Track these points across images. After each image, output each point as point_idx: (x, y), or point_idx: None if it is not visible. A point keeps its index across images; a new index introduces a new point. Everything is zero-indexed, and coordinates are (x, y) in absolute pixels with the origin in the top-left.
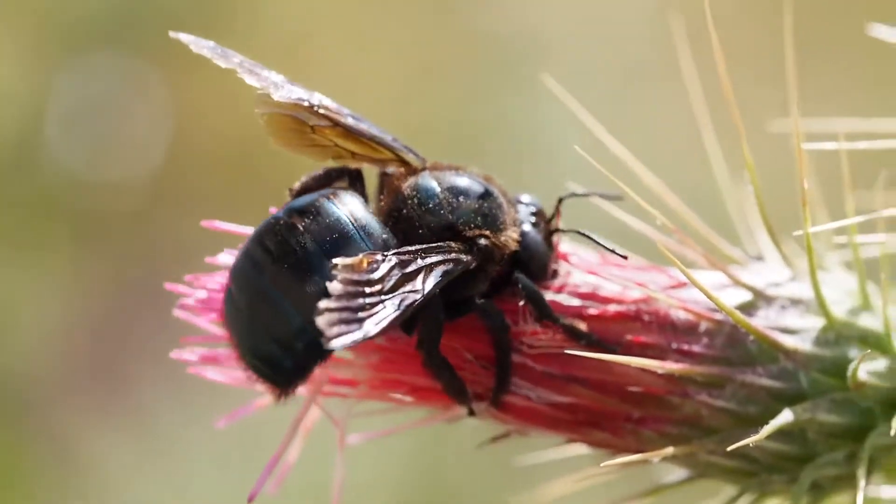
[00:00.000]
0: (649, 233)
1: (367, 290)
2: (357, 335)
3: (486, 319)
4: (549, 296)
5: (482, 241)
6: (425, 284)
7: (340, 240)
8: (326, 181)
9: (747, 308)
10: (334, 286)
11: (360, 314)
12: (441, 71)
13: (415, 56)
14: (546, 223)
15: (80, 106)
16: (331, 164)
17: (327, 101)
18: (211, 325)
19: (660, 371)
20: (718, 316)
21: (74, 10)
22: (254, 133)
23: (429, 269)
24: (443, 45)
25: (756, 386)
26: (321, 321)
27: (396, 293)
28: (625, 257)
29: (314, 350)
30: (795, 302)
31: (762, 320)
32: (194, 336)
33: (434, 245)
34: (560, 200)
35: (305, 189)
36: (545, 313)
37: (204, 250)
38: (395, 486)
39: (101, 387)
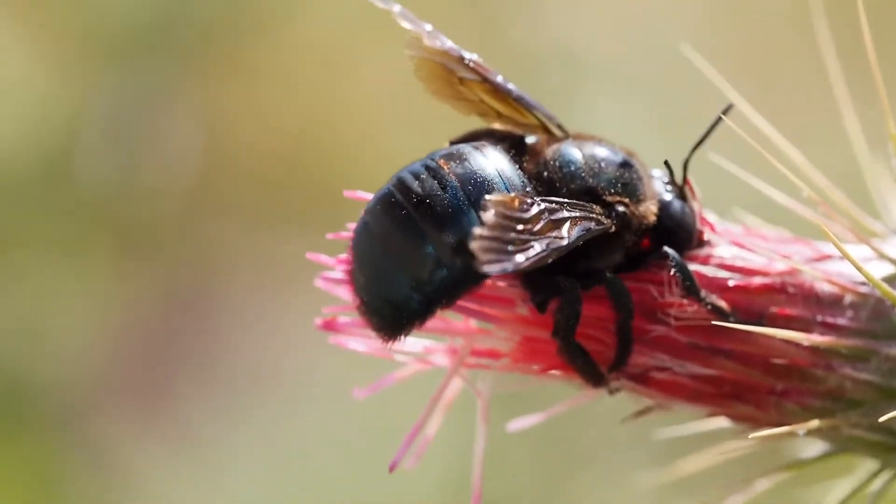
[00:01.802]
0: (794, 206)
1: (519, 227)
2: (507, 264)
3: (613, 295)
4: (693, 266)
5: (620, 209)
6: (571, 234)
7: (485, 185)
8: (487, 138)
9: (892, 281)
10: (489, 216)
11: (511, 247)
12: None
13: None
14: (681, 191)
15: (119, 116)
16: (477, 121)
17: (477, 59)
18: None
19: (805, 343)
20: (863, 289)
21: (112, 22)
22: (289, 142)
23: (574, 221)
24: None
25: None
26: (475, 245)
27: (545, 236)
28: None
29: (442, 291)
30: None
31: None
32: (335, 306)
33: (578, 202)
34: (685, 164)
35: (464, 141)
36: (692, 289)
37: (243, 257)
38: (444, 481)
39: (142, 396)
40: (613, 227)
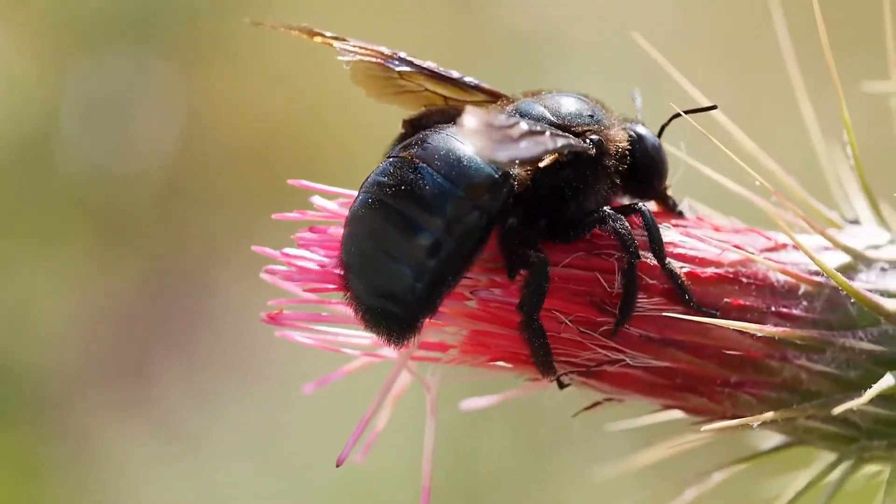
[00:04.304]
0: (747, 195)
1: (502, 126)
2: (512, 153)
3: (615, 234)
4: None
5: (594, 136)
6: (555, 141)
7: (452, 157)
8: (439, 115)
9: (847, 271)
10: (468, 119)
11: (504, 142)
12: (462, 68)
13: (435, 54)
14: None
15: (96, 101)
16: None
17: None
18: (300, 289)
19: (759, 334)
20: (818, 278)
21: (89, 5)
22: (268, 127)
23: (554, 136)
24: (463, 42)
25: (857, 349)
26: (468, 132)
27: (527, 139)
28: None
29: (443, 270)
30: (895, 264)
31: (862, 283)
32: (285, 299)
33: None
34: (666, 124)
35: (417, 120)
36: (658, 251)
37: (222, 243)
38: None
39: (121, 382)
40: (592, 150)
